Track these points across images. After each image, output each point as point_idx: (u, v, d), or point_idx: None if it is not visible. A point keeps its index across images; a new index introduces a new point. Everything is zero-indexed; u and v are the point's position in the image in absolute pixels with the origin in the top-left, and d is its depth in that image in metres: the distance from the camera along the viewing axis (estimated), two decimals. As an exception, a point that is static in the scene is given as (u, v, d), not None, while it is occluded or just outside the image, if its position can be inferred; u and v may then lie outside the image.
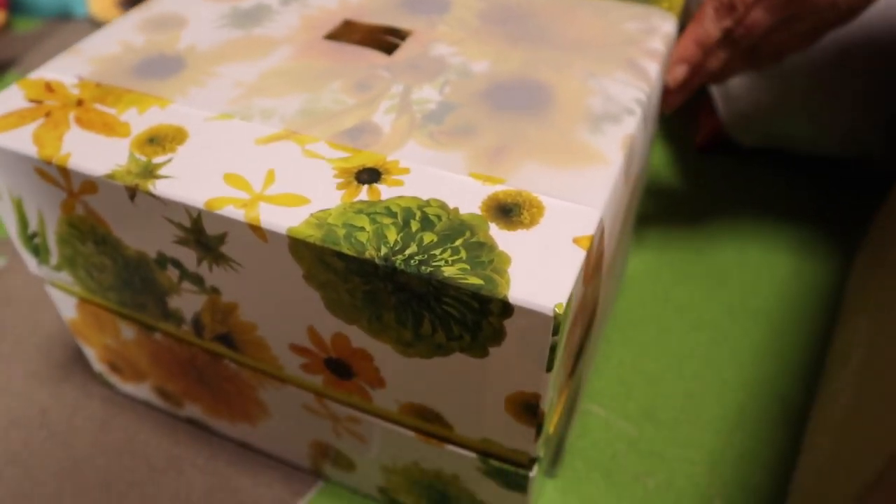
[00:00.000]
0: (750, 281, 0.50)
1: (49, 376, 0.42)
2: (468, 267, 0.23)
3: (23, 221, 0.31)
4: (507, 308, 0.22)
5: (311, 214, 0.24)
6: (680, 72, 0.36)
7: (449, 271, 0.23)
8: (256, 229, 0.25)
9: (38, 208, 0.30)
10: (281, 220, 0.24)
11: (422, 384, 0.27)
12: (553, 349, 0.23)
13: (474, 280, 0.22)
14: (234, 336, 0.30)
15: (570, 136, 0.27)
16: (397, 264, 0.23)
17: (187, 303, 0.30)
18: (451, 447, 0.29)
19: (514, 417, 0.26)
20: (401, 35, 0.33)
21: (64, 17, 0.78)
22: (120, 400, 0.40)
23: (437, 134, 0.28)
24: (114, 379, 0.40)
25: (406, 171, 0.26)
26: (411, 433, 0.30)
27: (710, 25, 0.35)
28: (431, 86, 0.30)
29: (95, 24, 0.76)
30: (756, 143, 0.57)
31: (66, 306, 0.36)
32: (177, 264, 0.28)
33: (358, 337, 0.26)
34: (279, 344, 0.29)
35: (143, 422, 0.39)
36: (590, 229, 0.24)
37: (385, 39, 0.33)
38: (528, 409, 0.25)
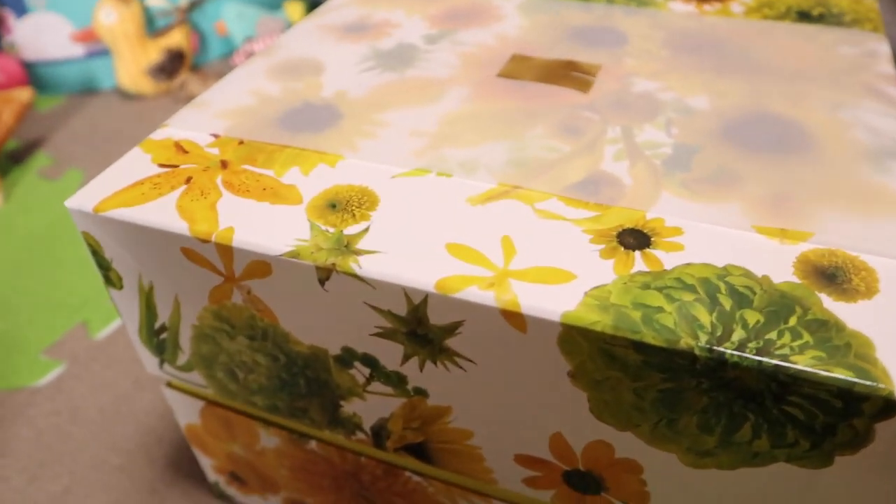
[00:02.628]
0: None
1: (141, 501, 0.34)
2: (824, 355, 0.17)
3: (150, 314, 0.25)
4: (890, 407, 0.17)
5: (586, 293, 0.19)
6: None
7: (802, 361, 0.17)
8: (513, 316, 0.19)
9: (176, 296, 0.24)
10: (549, 303, 0.19)
11: (705, 499, 0.21)
12: (936, 457, 0.17)
13: (843, 372, 0.17)
14: (432, 446, 0.24)
15: (855, 178, 0.22)
16: (727, 356, 0.17)
17: (370, 408, 0.24)
18: (721, 575, 0.23)
19: (839, 540, 0.20)
20: (588, 70, 0.28)
21: (88, 91, 0.72)
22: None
23: (692, 183, 0.22)
24: (231, 490, 0.33)
25: (678, 231, 0.21)
26: (666, 558, 0.24)
27: None
28: (653, 126, 0.25)
29: (124, 96, 0.70)
30: None
31: (187, 410, 0.29)
32: (369, 362, 0.22)
33: (628, 446, 0.21)
34: (500, 455, 0.23)
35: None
36: (945, 294, 0.19)
37: (572, 76, 0.28)
38: (866, 531, 0.20)
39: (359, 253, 0.20)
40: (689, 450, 0.20)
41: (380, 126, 0.25)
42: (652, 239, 0.20)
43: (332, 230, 0.21)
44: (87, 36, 0.65)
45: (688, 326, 0.18)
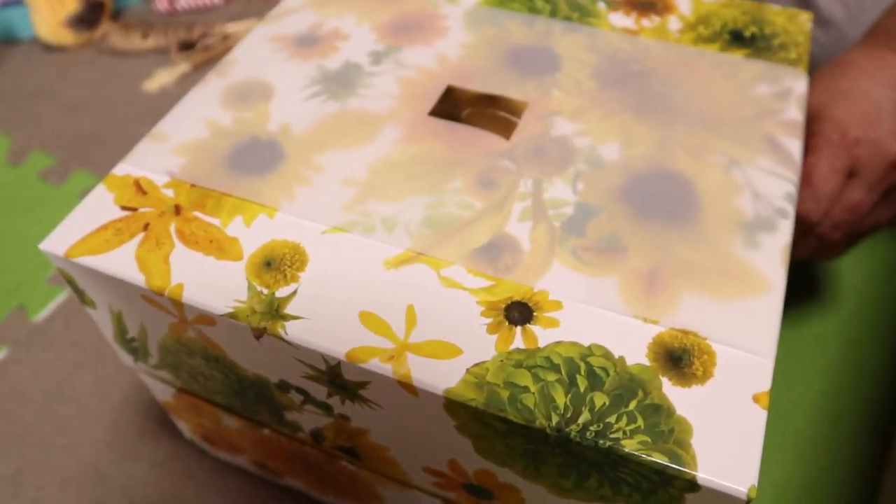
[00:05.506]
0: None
1: (86, 479, 0.38)
2: (649, 439, 0.21)
3: (121, 328, 0.29)
4: (693, 486, 0.21)
5: (468, 371, 0.23)
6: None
7: (629, 445, 0.21)
8: (407, 386, 0.23)
9: (141, 322, 0.28)
10: (435, 378, 0.23)
11: (571, 516, 0.26)
12: (734, 516, 0.22)
13: (659, 457, 0.21)
14: (360, 451, 0.29)
15: (725, 254, 0.25)
16: (572, 436, 0.21)
17: (308, 419, 0.28)
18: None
19: (671, 552, 0.25)
20: (514, 108, 0.30)
21: (7, 42, 0.70)
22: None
23: (582, 251, 0.25)
24: (206, 446, 0.39)
25: (558, 306, 0.24)
26: (546, 542, 0.29)
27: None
28: (562, 180, 0.27)
29: (44, 47, 0.68)
30: None
31: (162, 392, 0.34)
32: (302, 392, 0.27)
33: (507, 476, 0.25)
34: (411, 465, 0.28)
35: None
36: (766, 383, 0.22)
37: (499, 116, 0.30)
38: (689, 550, 0.25)
39: (286, 318, 0.24)
40: (553, 486, 0.25)
41: (316, 171, 0.28)
42: (534, 313, 0.24)
43: (265, 291, 0.25)
44: None
45: (545, 407, 0.22)
